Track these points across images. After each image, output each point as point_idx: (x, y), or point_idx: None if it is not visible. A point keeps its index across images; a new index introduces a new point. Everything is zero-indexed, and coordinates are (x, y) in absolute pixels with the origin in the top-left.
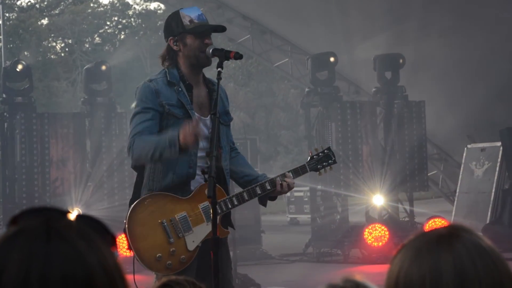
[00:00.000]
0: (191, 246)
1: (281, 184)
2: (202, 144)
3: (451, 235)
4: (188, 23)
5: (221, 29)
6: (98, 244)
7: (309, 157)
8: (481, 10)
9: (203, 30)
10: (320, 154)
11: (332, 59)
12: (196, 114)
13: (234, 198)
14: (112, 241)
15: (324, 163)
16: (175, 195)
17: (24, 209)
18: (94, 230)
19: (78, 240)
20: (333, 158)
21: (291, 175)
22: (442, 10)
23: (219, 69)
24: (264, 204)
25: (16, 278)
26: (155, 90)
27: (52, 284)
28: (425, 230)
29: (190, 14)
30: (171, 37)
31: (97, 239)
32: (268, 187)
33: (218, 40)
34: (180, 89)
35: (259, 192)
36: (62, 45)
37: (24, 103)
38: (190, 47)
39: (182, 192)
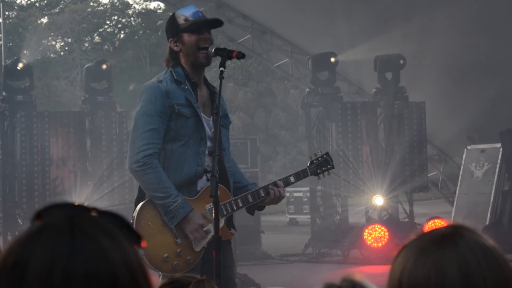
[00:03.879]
0: (197, 247)
1: (274, 192)
2: (207, 143)
3: (454, 234)
4: (183, 22)
5: (217, 23)
6: (122, 241)
7: (309, 161)
8: (483, 10)
9: (197, 26)
10: (319, 158)
11: (332, 59)
12: (202, 113)
13: (239, 200)
14: (136, 238)
15: (323, 168)
16: (183, 197)
17: (48, 204)
18: (117, 227)
19: (102, 237)
20: (331, 163)
21: (282, 184)
22: (444, 11)
23: (221, 68)
24: (252, 213)
25: (39, 275)
26: (165, 91)
27: (75, 282)
28: (427, 230)
29: (185, 13)
30: (171, 39)
31: (121, 236)
32: (263, 194)
33: (218, 40)
34: (186, 87)
35: (263, 194)
36: (62, 44)
37: (24, 101)
38: (187, 44)
39: (188, 192)
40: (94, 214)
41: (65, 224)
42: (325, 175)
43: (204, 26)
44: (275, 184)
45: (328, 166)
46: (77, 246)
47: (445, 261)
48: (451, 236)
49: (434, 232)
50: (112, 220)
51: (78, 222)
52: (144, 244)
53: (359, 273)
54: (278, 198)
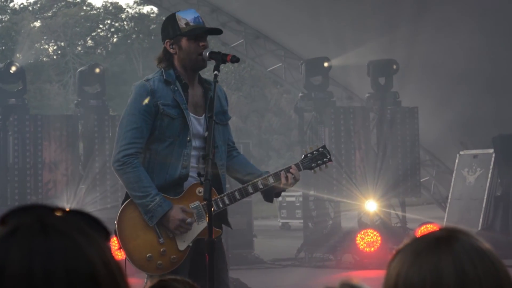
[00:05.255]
0: (182, 246)
1: (286, 177)
2: (195, 143)
3: (449, 238)
4: (184, 26)
5: (217, 31)
6: (95, 237)
7: (302, 156)
8: (478, 14)
9: (198, 33)
10: (314, 152)
11: (326, 64)
12: (190, 114)
13: (225, 198)
14: (105, 234)
15: (318, 161)
16: (166, 195)
17: (12, 208)
18: (86, 224)
19: (75, 234)
20: (328, 156)
21: (296, 167)
22: (436, 15)
23: (215, 72)
24: (270, 200)
25: (19, 275)
26: (151, 90)
27: (56, 280)
28: (422, 234)
29: (186, 17)
30: (167, 40)
31: (94, 233)
32: (261, 186)
33: (211, 45)
34: (176, 88)
35: (251, 191)
36: (55, 47)
37: (17, 105)
38: (185, 50)
39: (174, 193)
40: (60, 213)
41: (36, 224)
42: (322, 168)
43: (204, 34)
44: (264, 180)
45: (325, 160)
46: (53, 244)
47: (441, 265)
48: (447, 240)
49: (430, 236)
50: (80, 218)
51: (49, 221)
52: (111, 238)
53: (356, 277)
54: (292, 183)
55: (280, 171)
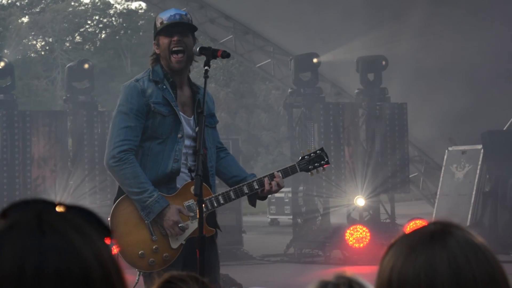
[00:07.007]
0: (175, 244)
1: (270, 184)
2: (186, 142)
3: (443, 232)
4: (159, 25)
5: (186, 27)
6: (92, 236)
7: (300, 157)
8: (462, 12)
9: (168, 28)
10: (312, 154)
11: (315, 60)
12: (180, 112)
13: (220, 197)
14: (106, 232)
15: (316, 164)
16: (161, 193)
17: (14, 202)
18: (86, 222)
19: (72, 232)
20: (326, 159)
21: (280, 174)
22: (424, 12)
23: (206, 67)
24: (254, 204)
25: (9, 274)
26: (141, 89)
27: (46, 280)
28: (416, 228)
29: (163, 16)
30: (153, 41)
31: (91, 231)
32: (256, 187)
33: (200, 41)
34: (164, 86)
35: (246, 191)
36: (43, 43)
37: (5, 100)
38: (162, 47)
39: (167, 189)
40: (61, 209)
41: (33, 221)
42: (319, 171)
43: (175, 29)
44: (260, 181)
45: (322, 162)
46: (47, 243)
47: (435, 260)
48: (441, 234)
49: (424, 230)
50: (80, 215)
51: (46, 218)
52: (114, 237)
53: (349, 271)
54: (274, 190)
55: (264, 177)
